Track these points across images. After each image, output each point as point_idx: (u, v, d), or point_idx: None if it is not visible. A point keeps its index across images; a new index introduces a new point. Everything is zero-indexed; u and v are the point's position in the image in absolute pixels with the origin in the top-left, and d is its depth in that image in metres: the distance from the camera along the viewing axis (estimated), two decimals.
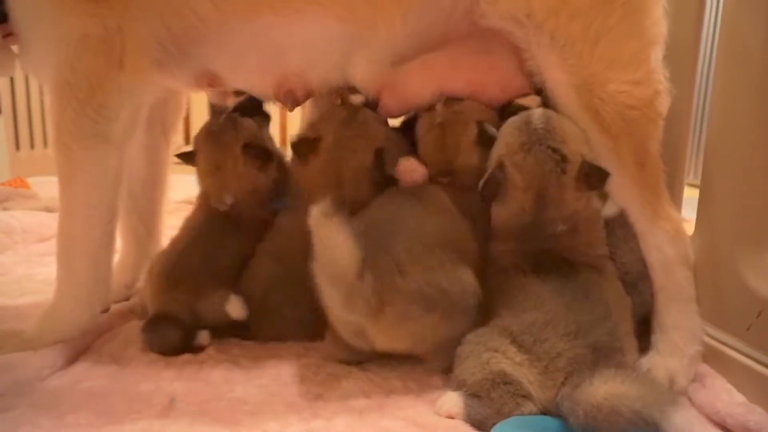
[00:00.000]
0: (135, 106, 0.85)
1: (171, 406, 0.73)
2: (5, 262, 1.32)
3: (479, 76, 0.89)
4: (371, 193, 0.89)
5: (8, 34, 0.85)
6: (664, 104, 0.82)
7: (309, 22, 0.83)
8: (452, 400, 0.72)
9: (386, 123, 0.97)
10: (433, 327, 0.75)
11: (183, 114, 1.11)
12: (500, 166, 0.81)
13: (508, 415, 0.68)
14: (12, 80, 2.22)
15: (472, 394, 0.71)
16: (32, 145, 2.35)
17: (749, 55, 0.78)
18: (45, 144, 2.38)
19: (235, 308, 0.86)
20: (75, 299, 0.86)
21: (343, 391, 0.76)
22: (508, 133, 0.83)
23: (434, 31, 0.86)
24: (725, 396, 0.74)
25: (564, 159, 0.79)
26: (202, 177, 0.98)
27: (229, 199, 0.94)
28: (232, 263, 0.91)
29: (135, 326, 0.96)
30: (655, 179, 0.82)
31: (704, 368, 0.80)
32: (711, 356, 0.81)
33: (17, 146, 2.29)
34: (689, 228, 0.87)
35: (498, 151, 0.83)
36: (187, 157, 0.99)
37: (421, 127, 0.93)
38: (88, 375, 0.80)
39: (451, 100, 0.90)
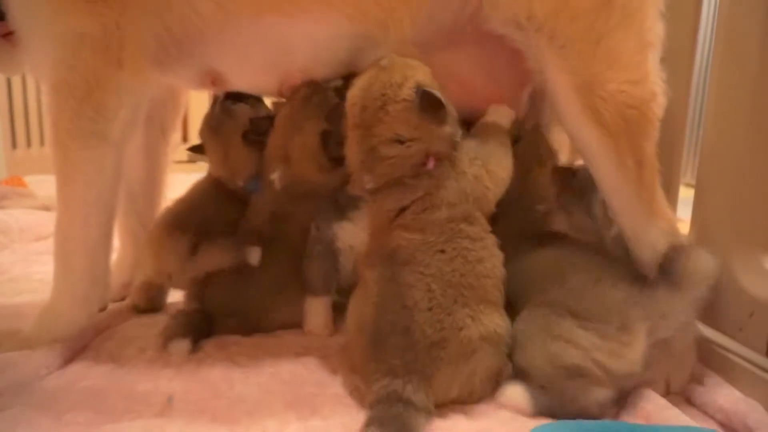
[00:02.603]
0: (134, 105, 0.85)
1: (169, 405, 0.73)
2: (2, 261, 1.32)
3: (478, 83, 0.89)
4: (317, 175, 0.91)
5: (8, 33, 0.84)
6: (660, 105, 0.82)
7: (317, 22, 0.83)
8: (516, 392, 0.72)
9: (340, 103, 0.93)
10: (484, 367, 0.73)
11: (182, 114, 1.11)
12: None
13: (579, 405, 0.69)
14: (8, 79, 2.21)
15: (539, 386, 0.71)
16: (29, 144, 2.35)
17: (745, 57, 0.79)
18: (42, 143, 2.37)
19: (253, 254, 0.92)
20: (72, 298, 0.86)
21: (341, 390, 0.77)
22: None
23: (441, 34, 0.86)
24: (727, 393, 0.75)
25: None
26: (214, 167, 1.03)
27: (240, 183, 1.00)
28: (225, 227, 0.97)
29: (133, 325, 0.97)
30: (652, 178, 0.83)
31: (702, 368, 0.81)
32: (704, 356, 0.82)
33: (14, 145, 2.28)
34: (684, 228, 0.88)
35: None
36: (198, 150, 1.05)
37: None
38: (86, 374, 0.80)
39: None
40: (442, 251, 0.74)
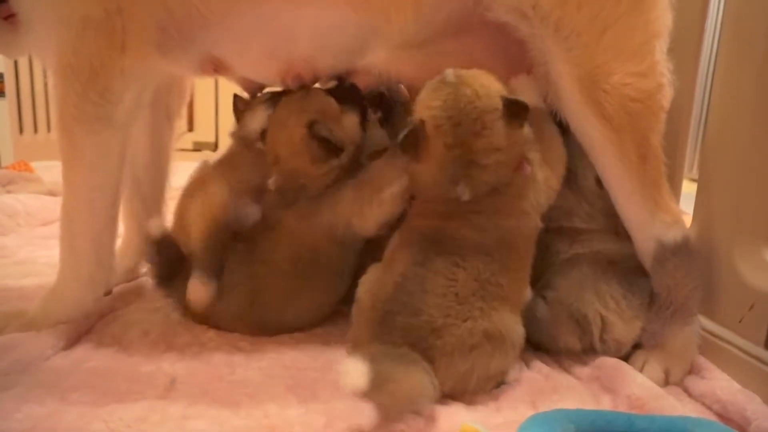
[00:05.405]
0: (138, 89, 0.85)
1: (172, 387, 0.74)
2: (8, 244, 1.33)
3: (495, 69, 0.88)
4: (311, 168, 0.88)
5: (10, 15, 0.84)
6: (667, 97, 0.82)
7: (320, 10, 0.83)
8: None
9: (327, 97, 0.90)
10: (483, 365, 0.73)
11: (187, 100, 1.11)
12: None
13: (552, 342, 0.83)
14: (16, 63, 2.22)
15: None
16: (36, 129, 2.36)
17: (750, 51, 0.79)
18: (48, 128, 2.38)
19: None
20: (77, 281, 0.87)
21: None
22: None
23: (445, 24, 0.85)
24: (725, 384, 0.75)
25: None
26: None
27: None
28: None
29: (137, 309, 0.98)
30: (656, 172, 0.82)
31: (701, 360, 0.81)
32: (703, 347, 0.82)
33: (21, 130, 2.29)
34: (687, 221, 0.88)
35: None
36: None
37: (426, 88, 0.80)
38: (90, 356, 0.81)
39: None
40: (488, 254, 0.75)
